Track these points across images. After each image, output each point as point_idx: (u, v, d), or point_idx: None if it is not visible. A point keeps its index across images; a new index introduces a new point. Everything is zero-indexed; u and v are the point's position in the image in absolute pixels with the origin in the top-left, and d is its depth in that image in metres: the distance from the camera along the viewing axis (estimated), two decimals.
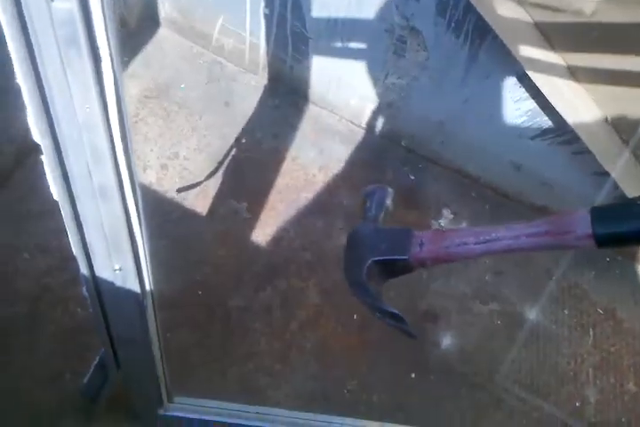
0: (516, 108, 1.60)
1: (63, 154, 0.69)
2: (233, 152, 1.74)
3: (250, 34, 1.79)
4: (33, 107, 0.64)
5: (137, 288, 0.91)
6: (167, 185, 1.65)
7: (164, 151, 1.70)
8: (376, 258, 0.56)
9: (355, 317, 1.57)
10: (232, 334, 1.48)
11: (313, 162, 1.79)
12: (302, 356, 1.49)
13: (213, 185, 1.68)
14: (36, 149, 1.53)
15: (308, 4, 1.62)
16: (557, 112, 1.46)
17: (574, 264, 1.81)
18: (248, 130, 1.79)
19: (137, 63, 1.82)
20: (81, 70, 0.60)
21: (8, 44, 0.59)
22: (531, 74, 1.42)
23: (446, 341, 1.62)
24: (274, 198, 1.69)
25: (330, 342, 1.53)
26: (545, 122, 1.59)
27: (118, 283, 0.90)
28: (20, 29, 0.57)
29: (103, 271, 0.88)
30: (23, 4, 0.55)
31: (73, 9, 0.55)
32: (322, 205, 1.71)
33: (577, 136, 1.49)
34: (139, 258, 0.87)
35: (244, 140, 1.77)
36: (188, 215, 1.62)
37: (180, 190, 1.63)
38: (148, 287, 0.94)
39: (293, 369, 1.47)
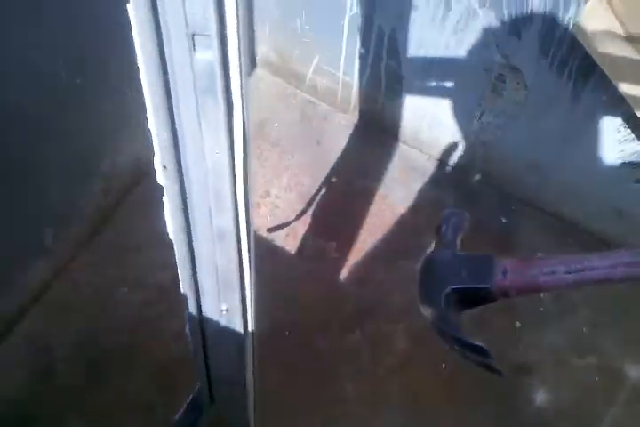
0: (620, 149, 1.53)
1: (187, 197, 0.69)
2: (323, 191, 1.74)
3: (343, 73, 1.81)
4: (163, 153, 0.65)
5: (240, 329, 0.91)
6: (259, 223, 1.65)
7: (256, 190, 1.72)
8: (455, 286, 0.53)
9: (444, 366, 1.50)
10: (319, 377, 1.44)
11: (402, 202, 1.75)
12: (389, 403, 1.43)
13: (303, 224, 1.68)
14: (133, 186, 1.60)
15: (405, 43, 1.62)
16: None
17: None
18: (338, 169, 1.79)
19: None
20: (214, 117, 0.60)
21: (145, 92, 0.60)
22: (639, 114, 1.34)
23: (541, 396, 1.51)
24: (362, 238, 1.66)
25: (417, 391, 1.46)
26: None
27: (223, 323, 0.90)
28: (160, 78, 0.58)
29: (210, 312, 0.88)
30: (167, 55, 0.56)
31: (214, 60, 0.55)
32: (411, 245, 1.66)
33: None
34: (245, 300, 0.87)
35: (334, 179, 1.77)
36: (278, 254, 1.62)
37: (270, 230, 1.64)
38: (250, 329, 0.93)
39: (380, 417, 1.41)
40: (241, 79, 0.59)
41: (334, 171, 1.78)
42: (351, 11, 1.63)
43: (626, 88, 1.34)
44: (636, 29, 1.27)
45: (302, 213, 1.68)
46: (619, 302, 1.67)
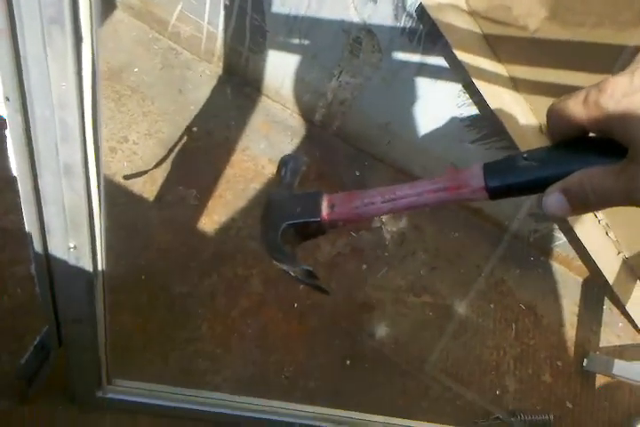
0: (460, 112, 1.68)
1: (31, 130, 0.69)
2: (183, 140, 1.74)
3: (208, 22, 1.79)
4: (6, 83, 0.64)
5: (89, 267, 0.92)
6: (115, 168, 1.62)
7: (113, 135, 1.67)
8: (290, 221, 0.58)
9: (295, 305, 1.61)
10: (174, 319, 1.48)
11: (263, 154, 1.81)
12: (243, 342, 1.52)
13: (162, 171, 1.67)
14: None
15: None
16: (497, 119, 1.53)
17: (502, 262, 1.93)
18: (200, 118, 1.79)
19: None
20: (62, 49, 0.61)
21: None
22: (475, 81, 1.48)
23: (380, 330, 1.69)
24: (223, 187, 1.70)
25: (270, 329, 1.56)
26: (485, 127, 1.67)
27: (71, 261, 0.90)
28: (3, 4, 0.57)
29: (57, 249, 0.88)
30: None
31: None
32: None
33: (514, 143, 1.57)
34: (94, 237, 0.87)
35: (195, 129, 1.77)
36: (135, 200, 1.61)
37: (127, 177, 1.61)
38: (100, 267, 0.94)
39: (233, 354, 1.50)
40: (91, 11, 0.60)
41: (196, 120, 1.78)
42: None
43: (465, 57, 1.48)
44: (476, 4, 1.41)
45: (162, 160, 1.67)
46: (453, 247, 1.89)
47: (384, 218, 1.85)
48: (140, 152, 1.67)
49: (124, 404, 1.29)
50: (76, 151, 0.72)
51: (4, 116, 0.69)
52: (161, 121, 1.74)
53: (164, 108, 1.77)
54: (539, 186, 0.46)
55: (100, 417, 1.31)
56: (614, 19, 1.21)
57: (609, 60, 1.25)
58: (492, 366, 1.74)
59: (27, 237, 0.88)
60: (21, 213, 0.82)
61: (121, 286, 1.46)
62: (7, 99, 0.66)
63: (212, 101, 1.84)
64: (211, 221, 1.65)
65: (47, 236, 0.86)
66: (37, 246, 0.89)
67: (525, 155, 0.47)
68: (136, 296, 1.49)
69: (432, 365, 1.67)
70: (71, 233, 0.85)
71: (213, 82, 1.88)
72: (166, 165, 1.69)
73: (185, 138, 1.74)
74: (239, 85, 1.90)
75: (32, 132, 0.70)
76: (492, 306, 1.84)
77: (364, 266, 1.74)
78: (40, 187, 0.78)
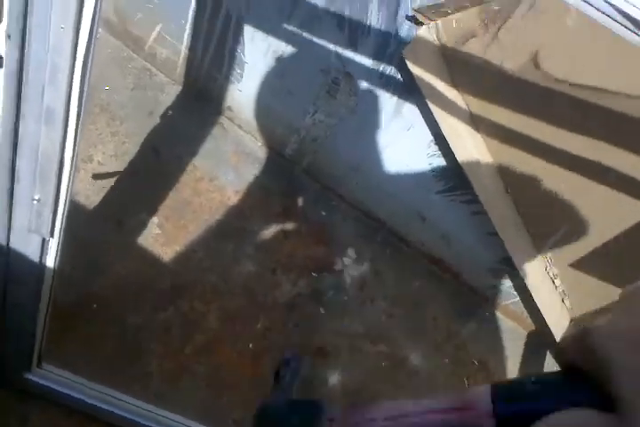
0: (429, 162, 1.79)
1: (24, 70, 0.75)
2: (150, 164, 1.79)
3: (186, 47, 1.87)
4: (11, 21, 0.70)
5: (48, 224, 0.95)
6: (77, 188, 1.65)
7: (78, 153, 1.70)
8: None
9: (250, 346, 1.66)
10: (123, 352, 1.50)
11: (230, 185, 1.88)
12: (193, 381, 1.55)
13: (125, 195, 1.71)
14: None
15: (251, 31, 1.73)
16: (464, 173, 1.65)
17: (458, 314, 2.04)
18: (169, 143, 1.85)
19: None
20: None
21: None
22: (446, 135, 1.60)
23: (333, 378, 1.75)
24: (187, 217, 1.75)
25: (223, 370, 1.60)
26: (452, 180, 1.78)
27: (33, 215, 0.94)
28: None
29: (22, 200, 0.92)
30: None
31: None
32: (234, 229, 1.80)
33: (478, 198, 1.69)
34: (60, 193, 0.92)
35: (163, 154, 1.83)
36: (95, 221, 1.63)
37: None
38: (57, 227, 0.98)
39: (182, 393, 1.52)
40: None
41: (165, 145, 1.84)
42: None
43: (438, 110, 1.58)
44: (455, 59, 1.54)
45: (129, 174, 1.70)
46: (411, 296, 2.00)
47: (346, 261, 1.94)
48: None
49: (50, 392, 1.30)
50: (60, 95, 0.78)
51: (2, 55, 0.75)
52: (128, 143, 1.79)
53: (133, 129, 1.82)
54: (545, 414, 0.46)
55: (24, 403, 1.31)
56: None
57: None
58: None
59: None
60: None
61: (68, 312, 1.47)
62: (9, 36, 0.72)
63: (182, 127, 1.90)
64: (171, 250, 1.69)
65: (15, 184, 0.90)
66: (3, 194, 0.92)
67: (534, 378, 0.48)
68: (85, 326, 1.50)
69: None
70: (38, 185, 0.89)
71: (186, 107, 1.95)
72: (131, 189, 1.72)
73: (152, 162, 1.79)
74: (212, 113, 1.98)
75: (24, 71, 0.76)
76: (445, 360, 1.94)
77: (322, 310, 1.82)
78: (19, 130, 0.82)
